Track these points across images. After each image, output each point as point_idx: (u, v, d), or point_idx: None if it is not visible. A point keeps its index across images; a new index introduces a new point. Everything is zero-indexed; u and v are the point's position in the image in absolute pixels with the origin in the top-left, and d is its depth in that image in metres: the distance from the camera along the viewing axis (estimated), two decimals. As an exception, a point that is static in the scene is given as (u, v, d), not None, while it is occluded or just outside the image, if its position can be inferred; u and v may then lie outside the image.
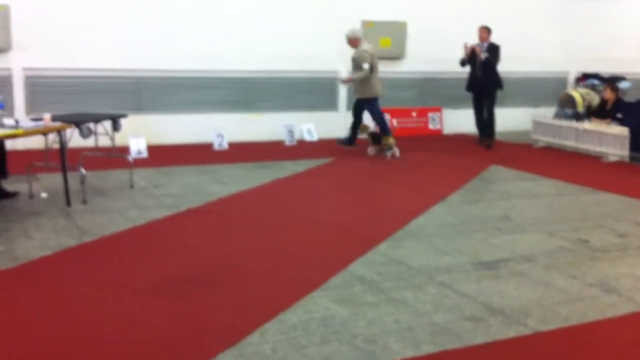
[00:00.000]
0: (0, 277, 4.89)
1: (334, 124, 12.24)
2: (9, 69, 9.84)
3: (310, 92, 12.07)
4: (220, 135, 10.77)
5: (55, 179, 7.33)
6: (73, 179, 7.14)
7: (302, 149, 11.02)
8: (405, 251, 5.71)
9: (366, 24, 12.21)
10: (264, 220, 6.61)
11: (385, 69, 12.65)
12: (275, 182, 8.45)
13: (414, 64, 12.72)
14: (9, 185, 7.21)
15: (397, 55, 12.62)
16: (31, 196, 7.20)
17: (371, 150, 10.47)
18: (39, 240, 5.75)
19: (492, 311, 4.49)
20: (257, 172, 8.96)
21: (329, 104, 12.32)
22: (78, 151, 7.76)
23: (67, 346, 3.84)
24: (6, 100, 8.22)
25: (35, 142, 8.43)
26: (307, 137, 11.88)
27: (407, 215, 6.87)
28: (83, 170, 7.18)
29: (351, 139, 10.88)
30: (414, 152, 10.95)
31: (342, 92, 12.40)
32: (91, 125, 7.41)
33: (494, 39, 11.27)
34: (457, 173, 9.33)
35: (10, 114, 8.95)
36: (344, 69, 12.28)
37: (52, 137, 7.09)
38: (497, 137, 11.82)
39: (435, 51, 12.46)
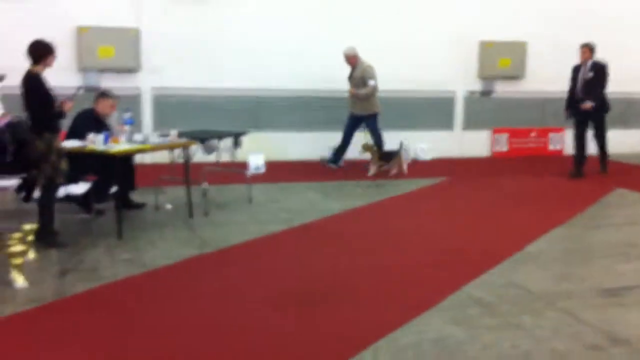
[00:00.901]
0: (128, 285, 5.16)
1: (449, 143, 12.14)
2: (138, 88, 10.43)
3: (425, 111, 12.03)
4: (336, 153, 10.91)
5: (179, 191, 7.66)
6: (196, 192, 7.45)
7: (416, 168, 10.95)
8: (524, 275, 5.55)
9: (485, 45, 12.06)
10: (377, 238, 6.62)
11: (504, 88, 12.46)
12: (389, 200, 8.46)
13: (534, 84, 12.40)
14: (137, 197, 7.60)
15: (516, 75, 12.35)
16: (157, 208, 7.57)
17: (374, 169, 10.10)
18: (163, 250, 6.02)
19: (616, 340, 4.28)
20: (371, 190, 9.00)
21: (445, 123, 12.23)
22: (201, 166, 8.08)
23: (185, 355, 4.00)
24: (136, 117, 8.68)
25: (162, 157, 8.85)
26: (421, 156, 11.82)
27: (525, 238, 6.67)
28: (205, 184, 7.48)
29: (337, 159, 10.67)
30: (532, 173, 10.64)
31: (459, 111, 12.28)
32: (214, 141, 7.71)
33: (611, 56, 10.60)
34: (579, 195, 8.98)
35: (139, 130, 9.46)
36: (461, 89, 12.21)
37: (178, 152, 7.44)
38: (621, 159, 11.28)
39: (556, 71, 12.05)
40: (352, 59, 10.31)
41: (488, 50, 12.10)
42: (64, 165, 5.92)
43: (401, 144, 10.19)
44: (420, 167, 11.03)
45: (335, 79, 11.24)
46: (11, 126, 4.95)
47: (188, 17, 10.58)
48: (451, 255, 6.09)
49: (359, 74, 10.23)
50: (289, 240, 6.55)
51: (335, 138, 11.25)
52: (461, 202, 8.54)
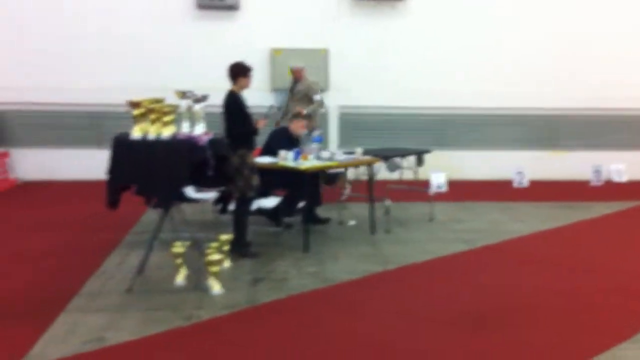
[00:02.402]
0: (314, 297, 5.36)
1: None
2: (326, 107, 10.80)
3: (620, 130, 11.32)
4: (521, 173, 10.59)
5: (362, 208, 7.83)
6: (378, 209, 7.57)
7: (610, 190, 10.33)
8: None
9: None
10: (564, 262, 6.32)
11: None
12: (579, 223, 8.04)
13: None
14: (322, 212, 7.87)
15: None
16: (340, 223, 7.79)
17: None
18: (346, 264, 6.19)
19: None
20: (560, 212, 8.61)
21: (643, 142, 11.45)
22: (384, 183, 8.20)
23: (369, 366, 4.07)
24: (323, 135, 9.01)
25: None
26: (616, 178, 11.12)
27: None
28: (388, 202, 7.58)
29: None
30: None
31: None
32: (398, 159, 7.80)
33: None
34: None
35: (326, 147, 9.79)
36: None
37: (362, 169, 7.61)
38: None
39: None
40: (298, 73, 9.29)
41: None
42: (255, 180, 6.28)
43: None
44: (615, 190, 10.38)
45: (522, 95, 10.98)
46: (212, 143, 5.35)
47: (373, 36, 10.82)
48: (648, 284, 5.68)
49: (303, 88, 9.23)
50: (470, 261, 6.45)
51: (522, 156, 10.96)
52: (661, 227, 7.93)
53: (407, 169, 8.18)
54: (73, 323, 4.66)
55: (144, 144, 5.21)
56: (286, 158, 6.73)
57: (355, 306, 5.13)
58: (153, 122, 5.21)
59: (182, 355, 4.22)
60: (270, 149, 7.16)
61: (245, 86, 6.30)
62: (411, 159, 8.22)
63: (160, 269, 5.83)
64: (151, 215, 7.63)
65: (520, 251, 6.78)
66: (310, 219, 7.20)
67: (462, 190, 9.92)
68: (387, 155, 7.74)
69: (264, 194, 6.97)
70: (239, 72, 6.24)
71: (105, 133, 10.29)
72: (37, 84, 10.24)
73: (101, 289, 5.43)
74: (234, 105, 6.21)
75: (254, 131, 6.28)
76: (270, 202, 7.17)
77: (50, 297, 5.17)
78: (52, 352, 4.19)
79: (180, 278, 5.53)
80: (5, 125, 10.40)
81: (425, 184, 9.32)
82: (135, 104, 5.24)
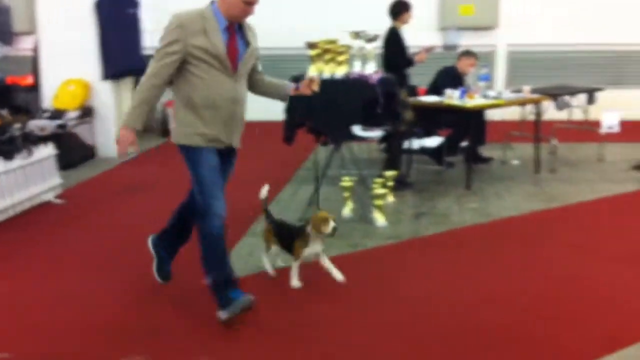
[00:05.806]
0: (475, 231, 5.53)
1: None
2: (494, 45, 10.65)
3: None
4: None
5: (527, 148, 7.79)
6: (544, 149, 7.49)
7: None
8: None
9: None
10: None
11: None
12: None
13: None
14: (485, 152, 7.90)
15: None
16: (504, 162, 7.81)
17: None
18: (508, 202, 6.27)
19: None
20: None
21: None
22: (551, 123, 8.06)
23: (538, 295, 4.22)
24: (490, 73, 8.91)
25: (512, 113, 8.99)
26: None
27: None
28: (555, 141, 7.47)
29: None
30: None
31: None
32: (567, 98, 7.64)
33: None
34: None
35: (493, 86, 9.70)
36: None
37: (529, 108, 7.55)
38: None
39: None
40: None
41: None
42: (408, 114, 6.39)
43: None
44: None
45: None
46: (382, 81, 5.58)
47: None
48: None
49: None
50: (641, 202, 6.29)
51: None
52: None
53: (576, 108, 7.97)
54: (253, 245, 5.16)
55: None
56: (452, 97, 6.82)
57: (524, 240, 5.23)
58: (327, 62, 5.53)
59: (351, 278, 4.57)
60: (436, 88, 7.27)
61: (406, 22, 6.54)
62: (581, 98, 7.99)
63: (328, 201, 6.21)
64: (320, 153, 8.07)
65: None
66: (473, 157, 7.28)
67: (637, 131, 9.46)
68: (555, 94, 7.59)
69: (428, 133, 7.13)
70: (401, 8, 6.49)
71: (278, 75, 10.89)
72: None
73: (278, 216, 5.90)
74: (392, 40, 6.44)
75: (408, 61, 6.44)
76: (433, 141, 7.31)
77: (237, 219, 5.71)
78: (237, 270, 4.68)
79: (347, 210, 5.90)
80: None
81: (596, 124, 9.02)
82: (312, 45, 5.58)
